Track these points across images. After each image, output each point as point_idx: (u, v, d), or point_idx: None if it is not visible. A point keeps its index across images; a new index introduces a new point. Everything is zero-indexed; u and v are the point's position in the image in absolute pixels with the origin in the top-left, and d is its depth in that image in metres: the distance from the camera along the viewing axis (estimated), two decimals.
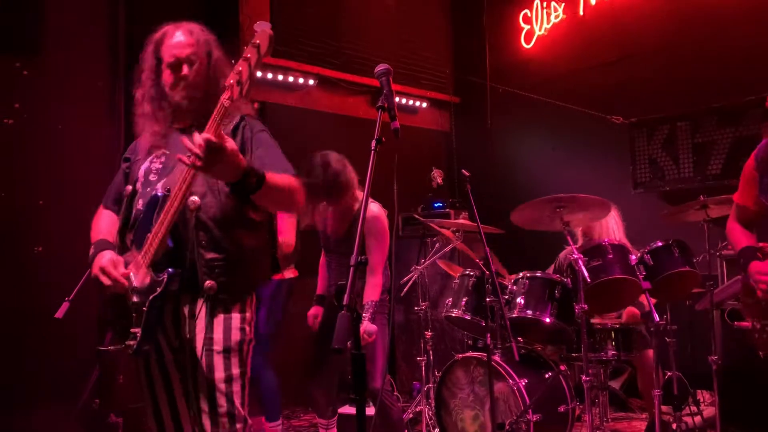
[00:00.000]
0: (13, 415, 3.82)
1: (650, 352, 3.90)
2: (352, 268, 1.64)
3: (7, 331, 3.91)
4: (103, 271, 2.07)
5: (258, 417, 3.92)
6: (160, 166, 2.18)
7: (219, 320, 2.08)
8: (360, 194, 3.48)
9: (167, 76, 2.18)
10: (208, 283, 2.03)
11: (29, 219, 4.13)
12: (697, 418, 4.11)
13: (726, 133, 5.11)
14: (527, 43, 6.53)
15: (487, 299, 3.50)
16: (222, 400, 2.05)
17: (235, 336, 2.10)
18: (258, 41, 1.87)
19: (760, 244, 2.56)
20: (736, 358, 3.95)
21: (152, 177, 2.17)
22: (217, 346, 2.07)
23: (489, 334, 3.28)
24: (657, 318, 3.42)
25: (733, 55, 4.92)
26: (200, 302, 2.06)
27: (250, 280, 2.21)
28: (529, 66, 6.50)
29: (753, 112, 4.88)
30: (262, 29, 1.91)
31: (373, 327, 3.25)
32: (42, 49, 4.19)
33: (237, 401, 2.07)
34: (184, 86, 2.14)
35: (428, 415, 4.17)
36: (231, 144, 1.86)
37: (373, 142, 1.83)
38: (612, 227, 4.23)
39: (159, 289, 1.97)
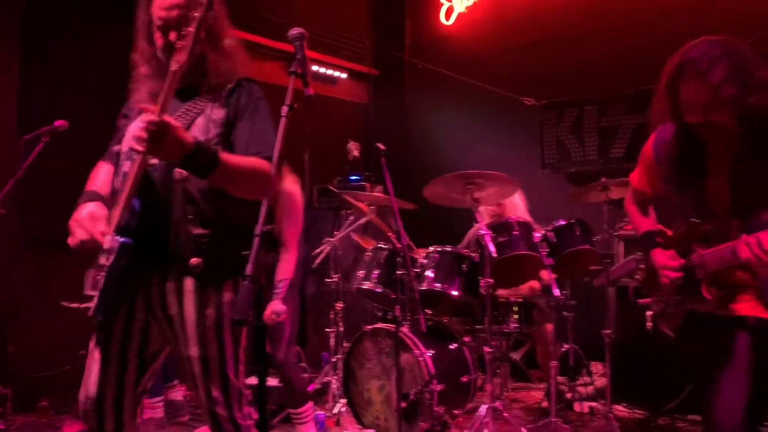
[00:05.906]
0: None
1: (549, 327, 4.08)
2: (256, 238, 1.60)
3: None
4: (79, 224, 1.93)
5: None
6: None
7: (210, 297, 1.99)
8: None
9: (157, 39, 2.05)
10: (194, 260, 1.95)
11: None
12: (590, 388, 4.36)
13: (630, 118, 5.33)
14: (447, 19, 6.56)
15: (398, 272, 3.55)
16: (216, 373, 1.99)
17: (226, 309, 2.01)
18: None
19: (659, 227, 2.69)
20: (628, 332, 4.19)
21: None
22: (209, 322, 1.98)
23: (398, 306, 3.32)
24: (557, 293, 3.58)
25: (640, 44, 5.10)
26: (187, 278, 1.98)
27: (239, 258, 2.07)
28: (448, 43, 6.54)
29: None
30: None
31: (282, 307, 3.15)
32: None
33: (231, 374, 2.01)
34: (173, 53, 1.95)
35: (335, 386, 4.20)
36: (173, 123, 1.78)
37: (284, 108, 1.76)
38: (517, 204, 4.37)
39: (112, 257, 1.87)
